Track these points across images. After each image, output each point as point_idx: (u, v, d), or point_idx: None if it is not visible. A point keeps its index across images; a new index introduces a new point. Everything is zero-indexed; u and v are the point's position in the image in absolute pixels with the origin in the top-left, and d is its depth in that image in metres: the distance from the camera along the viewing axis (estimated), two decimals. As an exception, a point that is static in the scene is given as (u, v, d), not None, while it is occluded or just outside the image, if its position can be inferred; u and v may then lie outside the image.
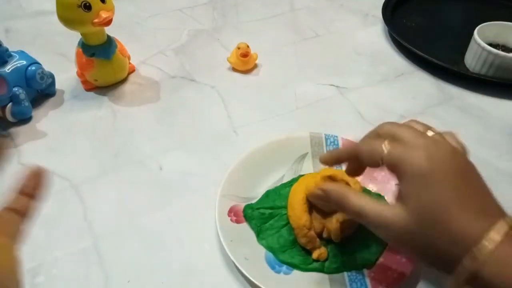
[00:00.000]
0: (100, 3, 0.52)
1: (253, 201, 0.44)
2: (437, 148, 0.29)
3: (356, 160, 0.33)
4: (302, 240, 0.39)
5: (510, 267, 0.25)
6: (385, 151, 0.29)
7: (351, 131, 0.53)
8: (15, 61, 0.55)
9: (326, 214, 0.39)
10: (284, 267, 0.39)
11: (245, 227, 0.42)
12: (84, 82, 0.61)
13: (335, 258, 0.39)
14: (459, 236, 0.26)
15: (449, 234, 0.26)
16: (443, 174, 0.28)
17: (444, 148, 0.29)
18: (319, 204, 0.39)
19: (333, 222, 0.38)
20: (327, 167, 0.39)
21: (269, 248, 0.40)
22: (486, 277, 0.25)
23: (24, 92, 0.55)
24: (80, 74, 0.61)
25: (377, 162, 0.30)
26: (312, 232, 0.39)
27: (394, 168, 0.29)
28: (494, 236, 0.25)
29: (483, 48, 0.60)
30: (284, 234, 0.40)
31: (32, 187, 0.28)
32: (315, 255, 0.39)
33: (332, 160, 0.36)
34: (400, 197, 0.29)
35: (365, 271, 0.38)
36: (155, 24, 0.76)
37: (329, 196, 0.33)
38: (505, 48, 0.64)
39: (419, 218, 0.28)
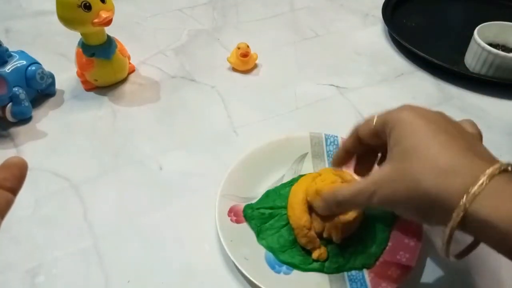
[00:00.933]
0: (100, 3, 0.52)
1: (253, 201, 0.44)
2: (424, 108, 0.30)
3: (357, 140, 0.35)
4: (302, 240, 0.39)
5: (508, 202, 0.24)
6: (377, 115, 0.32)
7: (351, 131, 0.53)
8: (15, 61, 0.55)
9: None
10: (284, 267, 0.39)
11: (245, 227, 0.42)
12: (84, 82, 0.61)
13: (335, 258, 0.39)
14: (450, 174, 0.26)
15: (438, 173, 0.26)
16: (427, 121, 0.29)
17: (430, 110, 0.31)
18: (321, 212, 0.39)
19: (335, 223, 0.38)
20: (332, 167, 0.39)
21: (269, 248, 0.40)
22: (482, 214, 0.24)
23: (24, 92, 0.55)
24: (80, 74, 0.61)
25: (371, 127, 0.32)
26: (312, 232, 0.39)
27: (384, 126, 0.31)
28: (490, 172, 0.25)
29: (483, 48, 0.60)
30: (284, 234, 0.40)
31: (5, 178, 0.24)
32: (315, 255, 0.39)
33: (342, 156, 0.37)
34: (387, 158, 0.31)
35: (365, 271, 0.38)
36: (155, 24, 0.76)
37: (324, 201, 0.35)
38: (505, 48, 0.64)
39: (406, 162, 0.28)
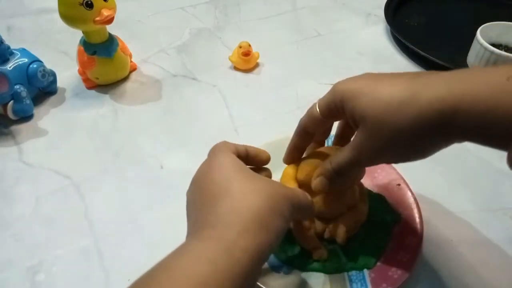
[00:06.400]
0: (102, 1, 0.52)
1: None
2: (353, 77, 0.32)
3: (306, 135, 0.37)
4: (301, 241, 0.39)
5: None
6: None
7: (353, 131, 0.53)
8: (16, 59, 0.55)
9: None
10: (284, 267, 0.38)
11: (245, 226, 0.41)
12: (86, 80, 0.61)
13: (335, 258, 0.39)
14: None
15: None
16: (364, 79, 0.31)
17: (358, 76, 0.33)
18: (325, 212, 0.38)
19: (339, 225, 0.38)
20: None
21: (270, 247, 0.40)
22: None
23: (26, 90, 0.55)
24: (82, 72, 0.61)
25: (316, 117, 0.34)
26: (311, 232, 0.39)
27: (333, 106, 0.32)
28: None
29: (486, 48, 0.60)
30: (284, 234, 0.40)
31: None
32: (315, 255, 0.39)
33: (294, 153, 0.39)
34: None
35: (366, 271, 0.38)
36: (157, 23, 0.76)
37: (322, 174, 0.35)
38: (507, 48, 0.64)
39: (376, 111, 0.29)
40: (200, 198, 0.30)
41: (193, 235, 0.28)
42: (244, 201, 0.28)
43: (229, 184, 0.29)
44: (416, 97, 0.27)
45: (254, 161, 0.36)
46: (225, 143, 0.34)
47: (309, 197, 0.34)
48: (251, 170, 0.31)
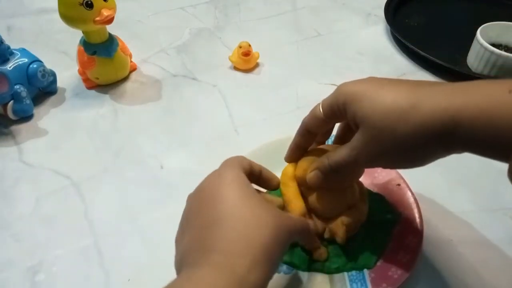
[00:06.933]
0: (102, 1, 0.52)
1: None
2: (358, 80, 0.32)
3: (308, 135, 0.37)
4: (302, 240, 0.39)
5: None
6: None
7: (353, 131, 0.53)
8: (16, 59, 0.55)
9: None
10: (284, 267, 0.38)
11: (245, 226, 0.41)
12: (86, 80, 0.61)
13: (335, 258, 0.39)
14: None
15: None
16: (369, 83, 0.31)
17: (363, 79, 0.32)
18: (325, 211, 0.38)
19: (339, 225, 0.38)
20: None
21: (270, 247, 0.40)
22: None
23: (26, 90, 0.55)
24: (82, 72, 0.61)
25: (319, 117, 0.34)
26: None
27: (335, 108, 0.32)
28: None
29: (486, 48, 0.60)
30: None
31: None
32: (315, 255, 0.39)
33: (293, 152, 0.39)
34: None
35: (366, 271, 0.38)
36: (157, 23, 0.76)
37: (319, 170, 0.35)
38: (507, 48, 0.64)
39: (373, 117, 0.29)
40: (202, 216, 0.30)
41: (198, 260, 0.28)
42: (253, 230, 0.28)
43: (236, 207, 0.29)
44: (418, 106, 0.27)
45: (264, 184, 0.37)
46: (241, 158, 0.34)
47: (308, 225, 0.35)
48: (258, 195, 0.31)
